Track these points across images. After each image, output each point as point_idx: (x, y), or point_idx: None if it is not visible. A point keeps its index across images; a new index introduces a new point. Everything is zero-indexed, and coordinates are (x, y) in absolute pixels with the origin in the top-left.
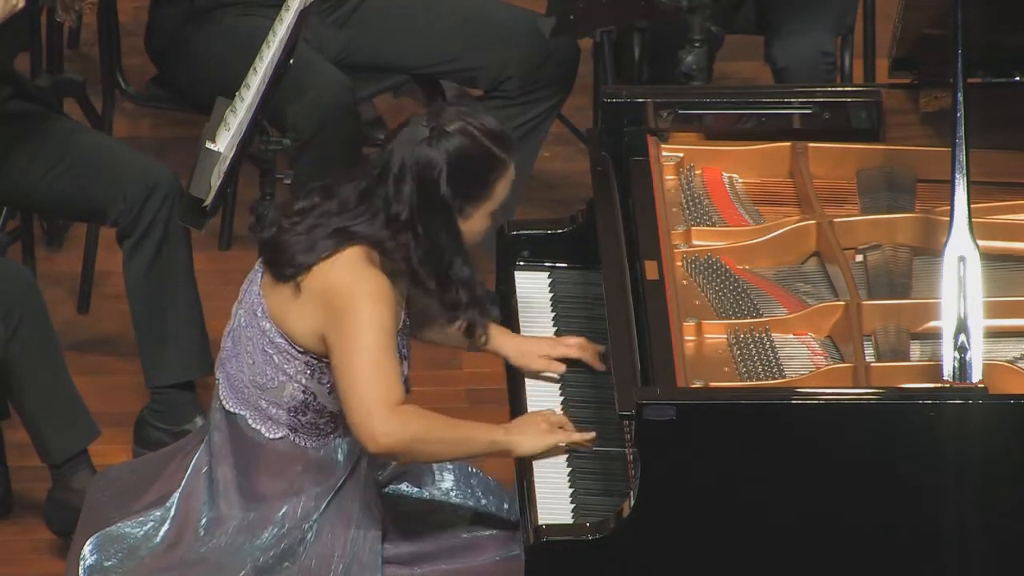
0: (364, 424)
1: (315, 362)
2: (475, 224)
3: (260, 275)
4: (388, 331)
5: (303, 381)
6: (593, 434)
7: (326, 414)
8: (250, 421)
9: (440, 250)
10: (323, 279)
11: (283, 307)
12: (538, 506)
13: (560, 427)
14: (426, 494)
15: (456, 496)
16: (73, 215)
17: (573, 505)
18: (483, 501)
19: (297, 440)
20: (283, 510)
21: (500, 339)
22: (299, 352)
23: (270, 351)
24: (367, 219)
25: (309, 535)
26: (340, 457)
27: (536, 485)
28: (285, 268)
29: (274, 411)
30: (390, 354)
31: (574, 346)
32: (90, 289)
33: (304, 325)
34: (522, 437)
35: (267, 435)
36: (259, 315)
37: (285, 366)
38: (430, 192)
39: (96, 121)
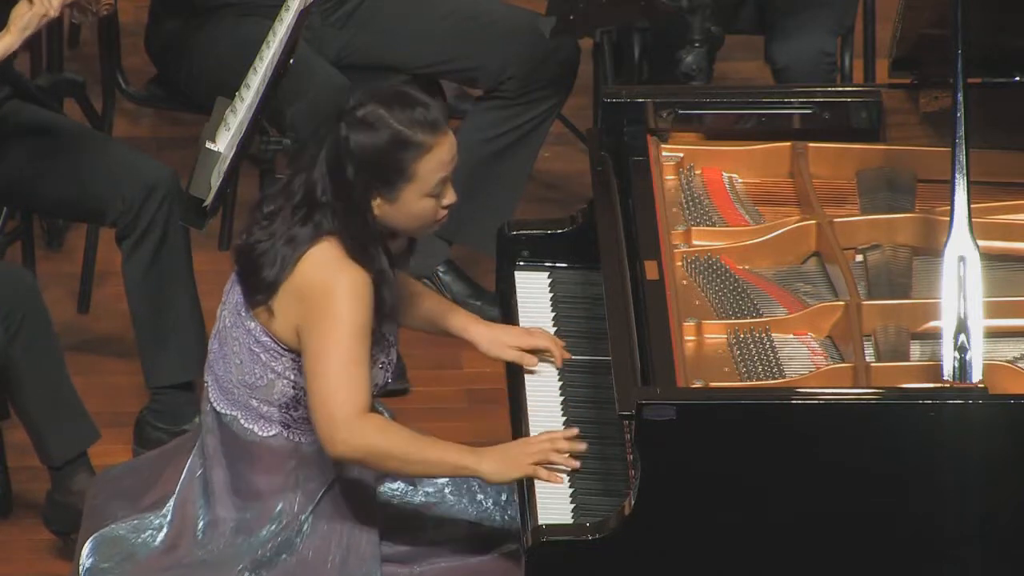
0: (325, 427)
1: (301, 358)
2: (408, 207)
3: None
4: (362, 332)
5: (292, 377)
6: (568, 468)
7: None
8: (242, 421)
9: (356, 233)
10: (297, 279)
11: (265, 308)
12: (538, 506)
13: (556, 450)
14: (420, 494)
15: (451, 494)
16: (73, 215)
17: (573, 505)
18: (479, 496)
19: (291, 436)
20: (279, 506)
21: (470, 327)
22: (285, 349)
23: (256, 350)
24: (304, 216)
25: (305, 527)
26: None
27: (536, 485)
28: (256, 294)
29: (265, 409)
30: (362, 358)
31: (542, 337)
32: (90, 289)
33: (285, 322)
34: (494, 464)
35: (260, 433)
36: (243, 315)
37: (273, 364)
38: (339, 179)
39: (96, 121)
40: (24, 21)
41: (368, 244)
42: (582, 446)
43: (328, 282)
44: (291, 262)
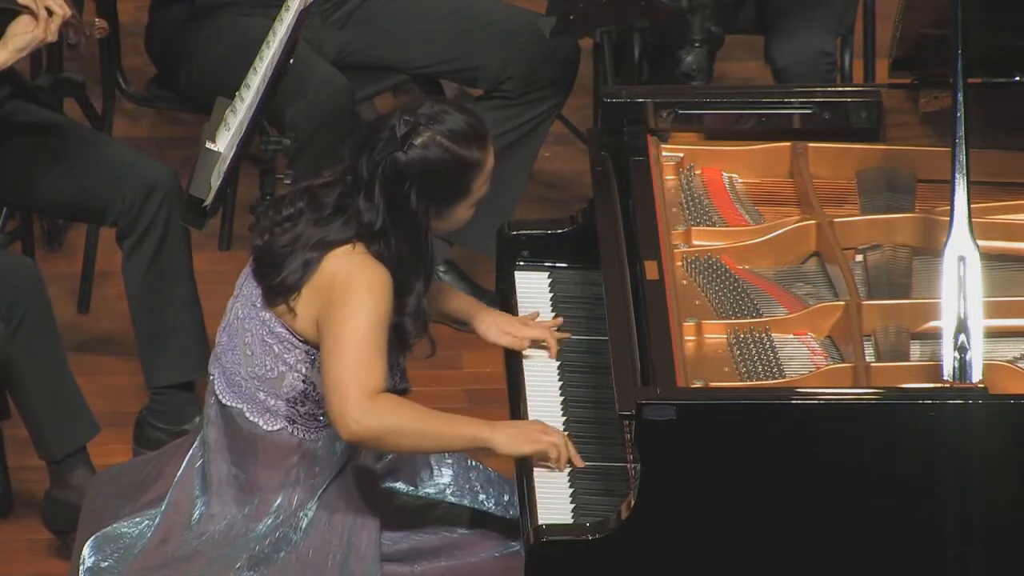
0: (338, 408)
1: (315, 351)
2: (456, 217)
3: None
4: (379, 322)
5: (303, 371)
6: (579, 463)
7: (324, 405)
8: (247, 414)
9: (403, 262)
10: (321, 275)
11: (285, 306)
12: (538, 506)
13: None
14: (422, 492)
15: (453, 494)
16: (73, 215)
17: (573, 505)
18: (481, 496)
19: (295, 432)
20: (278, 501)
21: (472, 310)
22: (300, 341)
23: (270, 341)
24: (342, 225)
25: (304, 522)
26: (338, 448)
27: (536, 485)
28: (276, 295)
29: (272, 402)
30: (377, 345)
31: (540, 328)
32: (90, 289)
33: (306, 316)
34: (507, 438)
35: (264, 427)
36: (258, 305)
37: (285, 355)
38: (400, 205)
39: (96, 121)
40: (23, 42)
41: (412, 276)
42: (581, 464)
43: (351, 274)
44: (316, 263)
